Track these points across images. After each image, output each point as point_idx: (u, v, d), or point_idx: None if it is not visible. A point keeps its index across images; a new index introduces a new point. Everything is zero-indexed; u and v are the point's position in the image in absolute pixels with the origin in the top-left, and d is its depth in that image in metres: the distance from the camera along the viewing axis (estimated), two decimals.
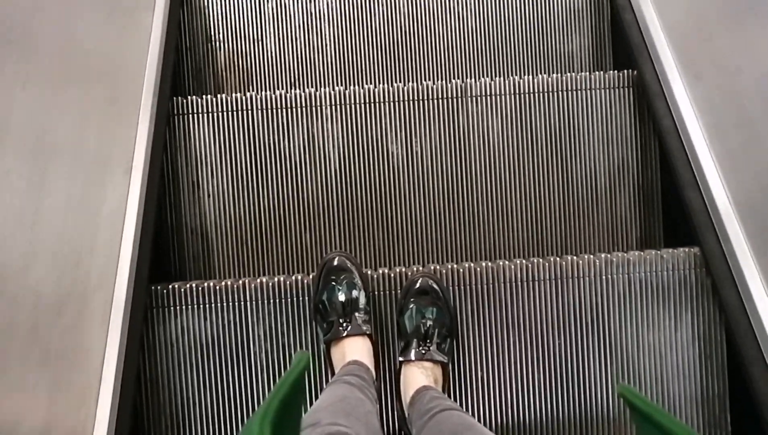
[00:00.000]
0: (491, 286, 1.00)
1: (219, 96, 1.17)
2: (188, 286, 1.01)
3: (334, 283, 0.96)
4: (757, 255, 0.89)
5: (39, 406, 0.65)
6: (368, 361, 0.91)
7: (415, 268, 1.03)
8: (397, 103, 1.16)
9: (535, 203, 1.16)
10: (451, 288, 1.00)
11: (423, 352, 0.91)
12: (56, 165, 0.73)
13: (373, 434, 0.71)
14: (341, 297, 0.94)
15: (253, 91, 1.31)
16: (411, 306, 0.96)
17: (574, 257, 1.02)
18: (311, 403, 0.86)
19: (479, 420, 0.99)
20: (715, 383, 0.99)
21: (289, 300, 1.00)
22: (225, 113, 1.16)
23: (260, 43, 1.32)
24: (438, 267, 1.02)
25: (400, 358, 0.93)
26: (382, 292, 1.01)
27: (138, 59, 1.08)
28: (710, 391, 0.99)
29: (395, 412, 0.99)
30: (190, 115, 1.16)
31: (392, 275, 1.02)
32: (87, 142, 0.83)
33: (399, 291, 1.01)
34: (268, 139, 1.16)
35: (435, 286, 0.97)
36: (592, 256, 1.02)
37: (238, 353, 1.00)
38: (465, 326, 1.00)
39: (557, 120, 1.17)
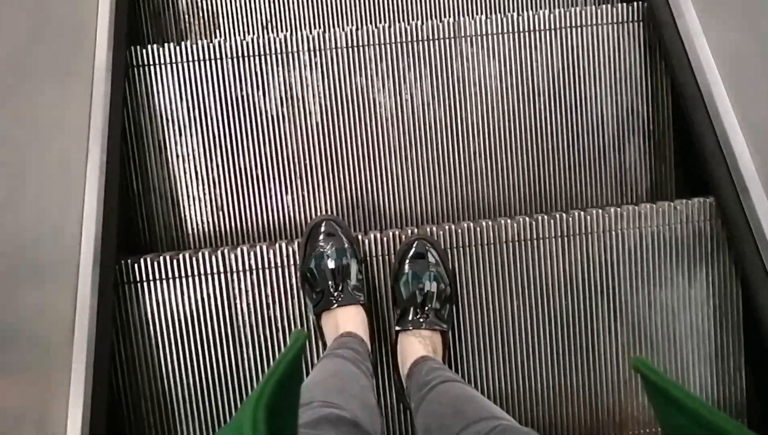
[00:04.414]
0: (492, 246, 1.01)
1: (182, 44, 1.13)
2: (161, 258, 1.00)
3: (322, 249, 0.95)
4: None
5: (4, 395, 0.65)
6: (362, 332, 0.92)
7: (409, 231, 1.03)
8: (383, 47, 1.13)
9: (538, 155, 1.16)
10: (449, 250, 1.01)
11: (421, 320, 0.92)
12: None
13: (369, 411, 0.72)
14: (331, 264, 0.94)
15: (220, 37, 1.29)
16: (406, 271, 0.96)
17: (581, 212, 1.02)
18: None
19: (482, 391, 1.01)
20: (730, 341, 1.01)
21: (273, 269, 1.00)
22: (190, 63, 1.13)
23: None
24: (434, 228, 1.02)
25: (397, 328, 0.93)
26: (375, 258, 1.02)
27: (87, 2, 1.04)
28: (725, 350, 1.01)
29: (393, 385, 1.00)
30: (151, 67, 1.13)
31: (385, 239, 1.02)
32: (34, 103, 0.80)
33: (393, 256, 1.01)
34: (241, 92, 1.13)
35: (431, 248, 0.98)
36: (600, 210, 1.02)
37: (221, 329, 1.00)
38: (465, 291, 1.01)
39: (560, 61, 1.15)
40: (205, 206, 1.14)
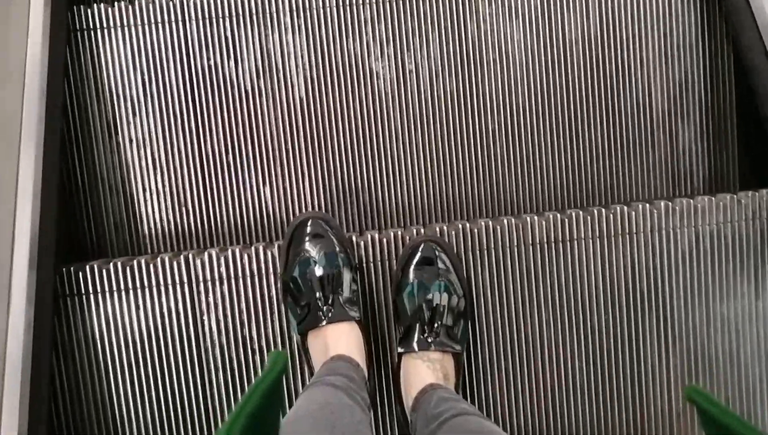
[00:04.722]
0: (516, 249, 1.01)
1: (136, 2, 1.13)
2: (111, 265, 1.01)
3: (308, 253, 0.96)
4: None
5: None
6: (357, 354, 0.92)
7: (414, 230, 1.03)
8: (381, 4, 1.14)
9: (571, 138, 1.17)
10: (463, 254, 1.01)
11: (429, 339, 0.93)
12: None
13: None
14: (319, 272, 0.94)
15: None
16: (411, 280, 0.97)
17: (624, 207, 1.02)
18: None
19: (503, 426, 1.01)
20: None
21: (248, 279, 1.01)
22: (147, 26, 1.13)
23: None
24: (445, 227, 1.02)
25: (400, 349, 0.94)
26: (372, 264, 1.02)
27: None
28: None
29: (395, 419, 1.01)
30: (99, 31, 1.13)
31: (385, 241, 1.02)
32: None
33: (395, 261, 1.02)
34: (208, 61, 1.14)
35: (442, 252, 0.98)
36: (647, 205, 1.03)
37: (184, 351, 1.01)
38: (483, 304, 1.01)
39: (598, 23, 1.16)
40: (165, 201, 1.14)
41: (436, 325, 0.94)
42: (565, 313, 1.02)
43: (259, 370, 1.00)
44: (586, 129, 1.17)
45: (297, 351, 1.01)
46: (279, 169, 1.14)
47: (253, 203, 1.15)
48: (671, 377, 1.02)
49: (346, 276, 0.96)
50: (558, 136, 1.17)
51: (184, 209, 1.15)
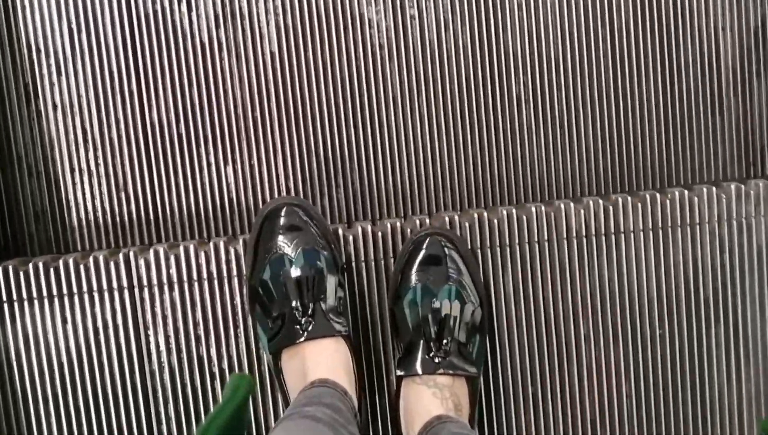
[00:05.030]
0: (548, 244, 1.01)
1: None
2: (32, 266, 1.00)
3: (281, 250, 0.95)
4: None
5: None
6: (344, 379, 0.91)
7: (418, 221, 1.02)
8: None
9: (616, 103, 1.16)
10: (480, 251, 1.00)
11: (436, 359, 0.92)
12: None
13: None
14: (295, 273, 0.94)
15: None
16: (414, 284, 0.96)
17: (684, 191, 1.02)
18: None
19: None
20: None
21: (205, 283, 1.00)
22: None
23: None
24: (457, 217, 1.01)
25: (399, 372, 0.94)
26: (364, 263, 1.01)
27: None
28: None
29: None
30: None
31: (380, 234, 1.01)
32: None
33: (393, 260, 1.01)
34: (154, 5, 1.12)
35: (452, 249, 0.97)
36: (713, 188, 1.02)
37: (125, 376, 1.00)
38: (506, 313, 1.01)
39: None
40: (100, 185, 1.13)
41: (445, 341, 0.93)
42: (610, 325, 1.02)
43: (219, 399, 0.95)
44: (636, 91, 1.16)
45: (268, 374, 1.00)
46: (245, 144, 1.14)
47: (212, 187, 1.14)
48: (743, 405, 1.02)
49: (331, 279, 0.95)
50: (599, 101, 1.16)
51: (123, 195, 1.13)
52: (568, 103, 1.16)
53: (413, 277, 0.97)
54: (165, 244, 1.04)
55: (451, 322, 0.94)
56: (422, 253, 0.97)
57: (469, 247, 1.01)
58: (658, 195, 1.02)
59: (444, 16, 1.14)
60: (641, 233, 1.02)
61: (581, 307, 1.01)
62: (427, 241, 0.97)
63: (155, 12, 1.12)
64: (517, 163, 1.16)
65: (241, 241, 1.02)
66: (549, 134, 1.16)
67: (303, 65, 1.14)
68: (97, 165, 1.14)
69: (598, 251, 1.01)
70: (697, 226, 1.02)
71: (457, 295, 0.95)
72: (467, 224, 1.02)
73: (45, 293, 1.00)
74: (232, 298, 1.01)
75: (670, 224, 1.02)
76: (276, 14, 1.13)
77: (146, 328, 1.01)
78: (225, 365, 1.01)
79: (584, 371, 1.02)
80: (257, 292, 0.96)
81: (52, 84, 1.13)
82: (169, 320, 1.01)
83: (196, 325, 1.02)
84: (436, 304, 0.94)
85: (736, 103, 1.17)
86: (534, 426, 1.02)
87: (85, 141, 1.13)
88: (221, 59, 1.13)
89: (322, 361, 0.92)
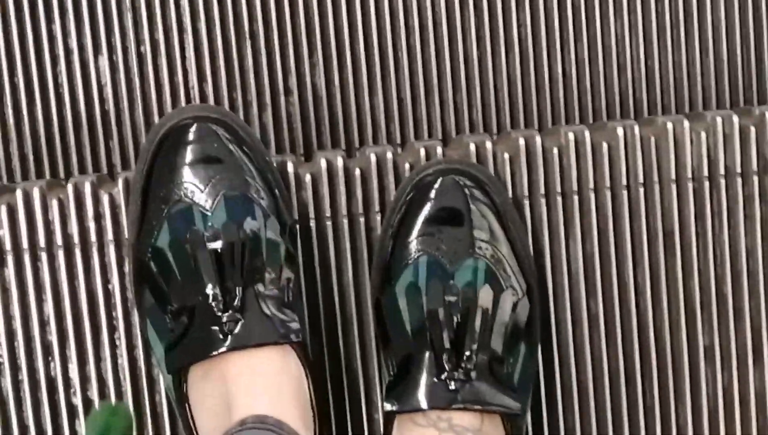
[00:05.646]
0: (643, 189, 0.80)
1: None
2: None
3: (189, 197, 0.75)
4: None
5: None
6: (295, 414, 0.72)
7: (422, 151, 0.81)
8: None
9: None
10: (527, 202, 0.80)
11: (452, 386, 0.71)
12: None
13: None
14: (213, 238, 0.73)
15: None
16: (415, 258, 0.76)
17: None
18: None
19: None
20: None
21: (59, 253, 0.80)
22: None
23: None
24: (489, 144, 0.81)
25: (390, 406, 0.73)
26: (330, 222, 0.81)
27: None
28: None
29: None
30: None
31: (358, 171, 0.82)
32: None
33: (380, 217, 0.82)
34: None
35: (483, 193, 0.78)
36: None
37: None
38: (570, 305, 0.80)
39: None
40: None
41: (467, 353, 0.72)
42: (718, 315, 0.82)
43: None
44: None
45: (165, 406, 0.81)
46: (129, 17, 0.94)
47: (73, 91, 0.93)
48: None
49: (273, 248, 0.75)
50: None
51: None
52: None
53: (414, 246, 0.75)
54: None
55: (478, 322, 0.72)
56: (429, 204, 0.76)
57: (512, 195, 0.79)
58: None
59: None
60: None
61: (696, 296, 0.78)
62: (438, 184, 0.76)
63: None
64: (579, 66, 0.96)
65: (120, 183, 0.81)
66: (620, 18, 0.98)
67: None
68: None
69: (730, 203, 0.79)
70: None
71: (488, 275, 0.74)
72: (507, 157, 0.78)
73: None
74: (105, 281, 0.80)
75: None
76: None
77: None
78: (92, 392, 0.81)
79: (703, 398, 0.80)
80: (148, 268, 0.75)
81: None
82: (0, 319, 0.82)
83: (43, 325, 0.80)
84: (454, 294, 0.73)
85: None
86: None
87: None
88: None
89: (259, 385, 0.71)
